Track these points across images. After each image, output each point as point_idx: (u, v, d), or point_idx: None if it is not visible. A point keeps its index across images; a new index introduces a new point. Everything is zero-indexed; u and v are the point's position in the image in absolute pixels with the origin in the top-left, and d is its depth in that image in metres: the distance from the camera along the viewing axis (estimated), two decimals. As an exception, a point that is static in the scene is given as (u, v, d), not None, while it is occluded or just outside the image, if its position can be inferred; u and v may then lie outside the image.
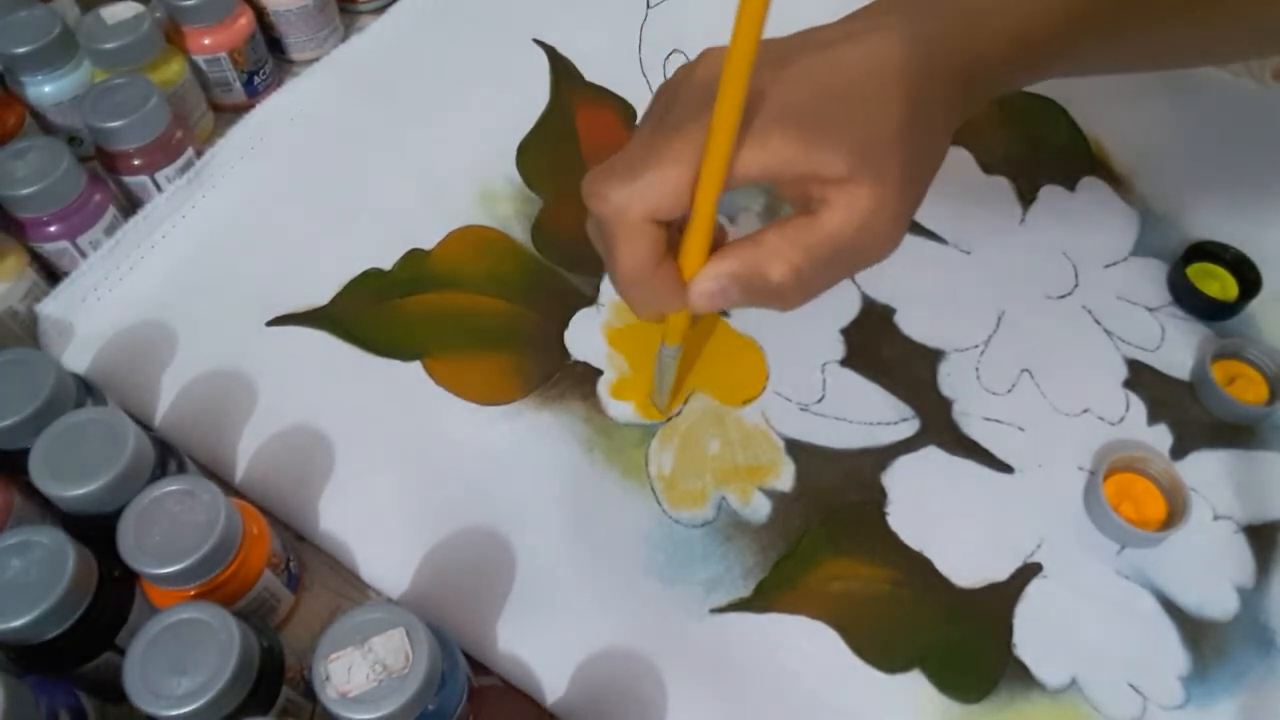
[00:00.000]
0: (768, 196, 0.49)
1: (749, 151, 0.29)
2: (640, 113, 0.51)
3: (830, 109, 0.29)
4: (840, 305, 0.46)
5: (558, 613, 0.38)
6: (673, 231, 0.31)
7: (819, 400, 0.44)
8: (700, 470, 0.41)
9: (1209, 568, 0.40)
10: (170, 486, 0.33)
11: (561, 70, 0.53)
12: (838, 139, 0.29)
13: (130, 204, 0.47)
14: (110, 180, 0.46)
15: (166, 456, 0.37)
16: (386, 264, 0.46)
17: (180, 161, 0.47)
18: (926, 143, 0.31)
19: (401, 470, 0.41)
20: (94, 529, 0.33)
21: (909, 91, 0.30)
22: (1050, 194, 0.51)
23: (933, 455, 0.42)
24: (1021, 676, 0.38)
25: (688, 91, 0.30)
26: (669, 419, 0.43)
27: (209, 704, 0.29)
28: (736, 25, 0.26)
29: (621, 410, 0.43)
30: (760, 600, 0.39)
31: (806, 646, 0.38)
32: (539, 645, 0.37)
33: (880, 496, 0.41)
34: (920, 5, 0.32)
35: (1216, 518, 0.42)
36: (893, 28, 0.31)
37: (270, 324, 0.44)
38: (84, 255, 0.44)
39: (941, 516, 0.41)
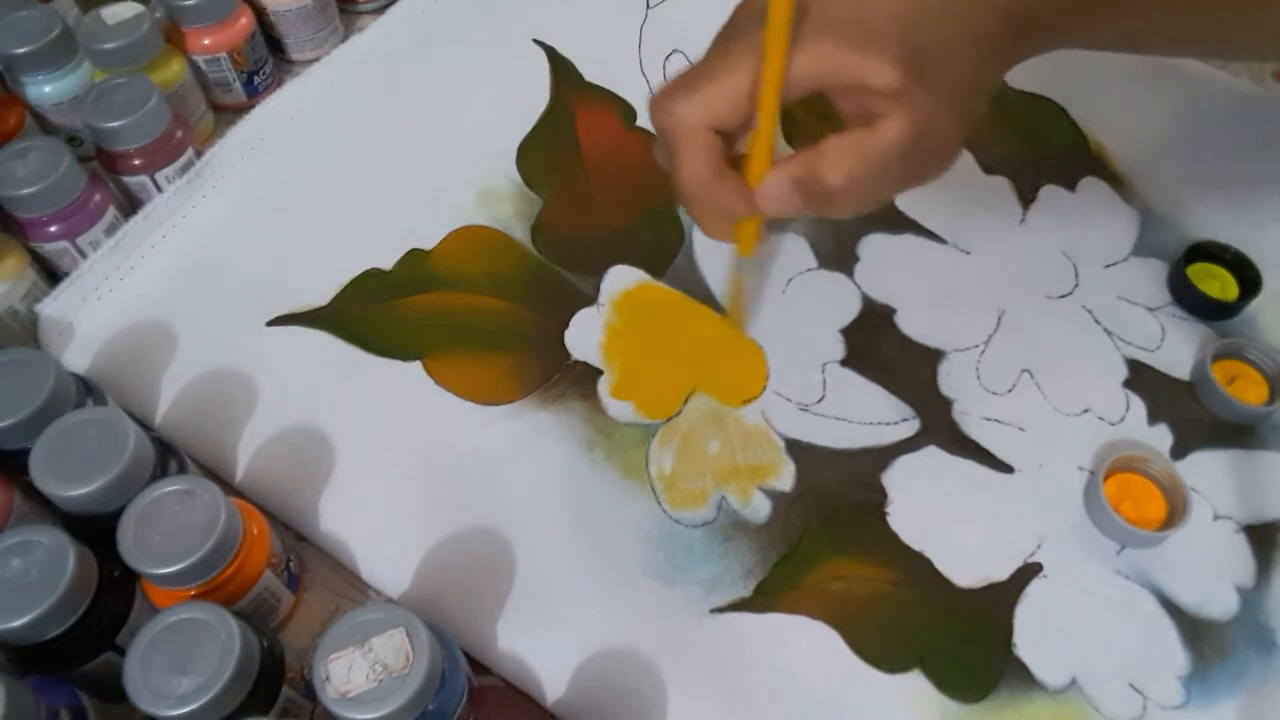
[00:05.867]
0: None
1: (802, 57, 0.31)
2: (640, 112, 0.52)
3: (882, 22, 0.31)
4: (840, 305, 0.46)
5: (558, 613, 0.38)
6: (731, 147, 0.34)
7: (819, 400, 0.44)
8: (700, 470, 0.41)
9: (1209, 568, 0.40)
10: (170, 486, 0.33)
11: (561, 70, 0.53)
12: (888, 49, 0.31)
13: (130, 204, 0.47)
14: (110, 180, 0.46)
15: (166, 456, 0.37)
16: (386, 264, 0.46)
17: (180, 161, 0.47)
18: (976, 64, 0.33)
19: (401, 470, 0.41)
20: (94, 529, 0.33)
21: (958, 17, 0.32)
22: (1050, 194, 0.51)
23: (933, 455, 0.42)
24: (1021, 676, 0.38)
25: (743, 13, 0.34)
26: (669, 419, 0.43)
27: (209, 704, 0.29)
28: None
29: (622, 410, 0.43)
30: (760, 600, 0.39)
31: (806, 646, 0.38)
32: (539, 645, 0.37)
33: (880, 496, 0.41)
34: None
35: (1216, 518, 0.42)
36: None
37: (270, 324, 0.44)
38: (84, 255, 0.44)
39: (942, 516, 0.41)
